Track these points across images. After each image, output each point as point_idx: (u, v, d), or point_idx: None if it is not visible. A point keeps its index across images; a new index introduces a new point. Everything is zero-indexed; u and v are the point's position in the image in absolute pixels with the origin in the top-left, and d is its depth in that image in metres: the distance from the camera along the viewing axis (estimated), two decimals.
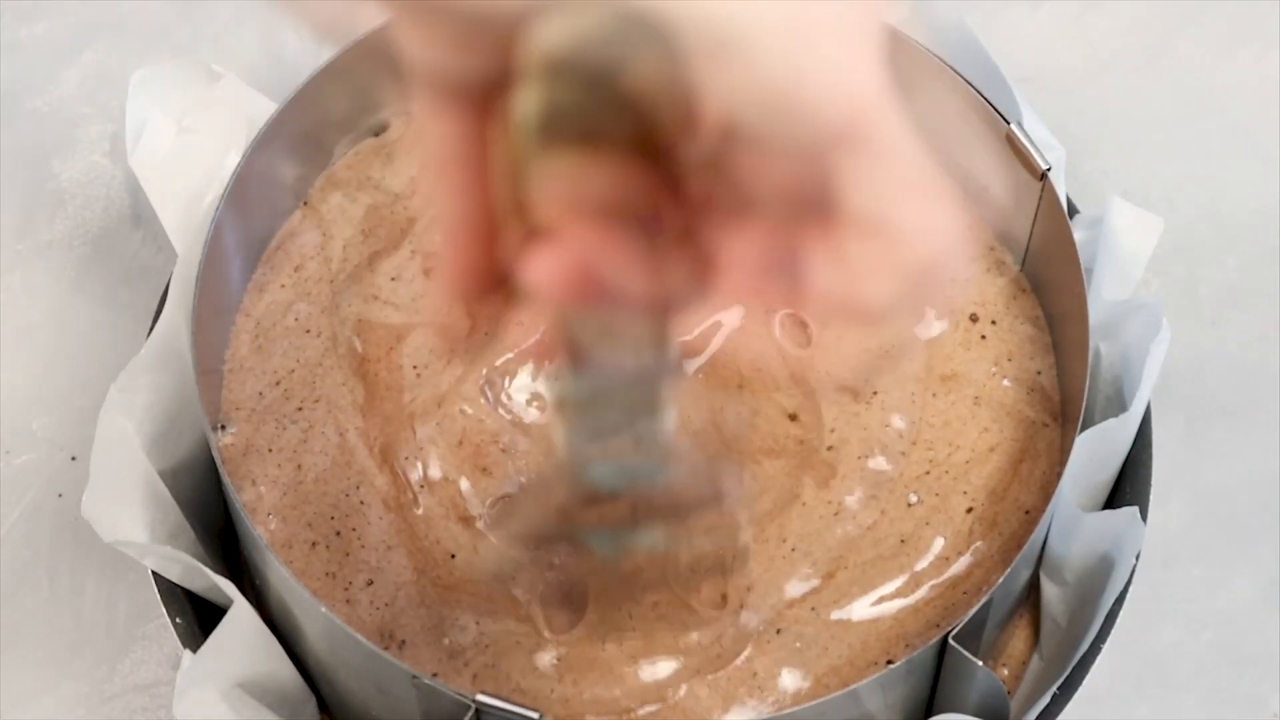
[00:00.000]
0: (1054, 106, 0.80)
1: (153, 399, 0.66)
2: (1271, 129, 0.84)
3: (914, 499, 0.67)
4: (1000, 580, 0.62)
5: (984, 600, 0.61)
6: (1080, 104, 0.84)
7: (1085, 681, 0.64)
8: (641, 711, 0.64)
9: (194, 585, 0.66)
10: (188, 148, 0.71)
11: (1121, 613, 0.65)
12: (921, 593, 0.66)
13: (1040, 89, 0.82)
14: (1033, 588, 0.69)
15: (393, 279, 0.72)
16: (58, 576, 0.73)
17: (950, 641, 0.61)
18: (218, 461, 0.65)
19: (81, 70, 0.84)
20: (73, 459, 0.75)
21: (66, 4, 0.86)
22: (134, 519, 0.64)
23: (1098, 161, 0.82)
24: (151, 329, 0.68)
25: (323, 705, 0.67)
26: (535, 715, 0.58)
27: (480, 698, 0.59)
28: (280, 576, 0.62)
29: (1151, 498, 0.68)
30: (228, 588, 0.63)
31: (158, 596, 0.65)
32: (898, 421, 0.69)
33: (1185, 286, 0.80)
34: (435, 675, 0.64)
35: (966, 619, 0.60)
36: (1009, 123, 0.69)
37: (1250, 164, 0.83)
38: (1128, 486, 0.69)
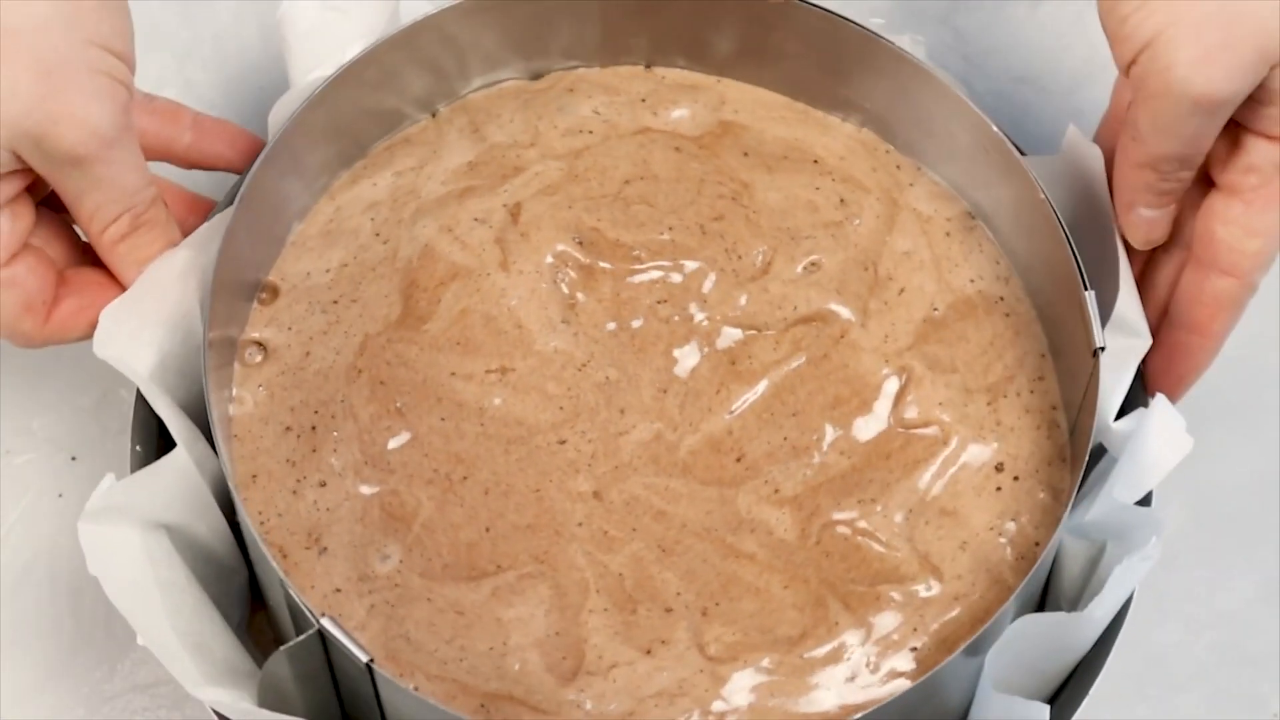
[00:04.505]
0: (1054, 106, 0.80)
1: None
2: None
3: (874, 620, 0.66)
4: (871, 712, 0.60)
5: None
6: (1080, 104, 0.84)
7: None
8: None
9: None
10: (329, 25, 0.72)
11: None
12: (826, 704, 0.65)
13: (1040, 89, 0.82)
14: None
15: (475, 219, 0.73)
16: (58, 576, 0.73)
17: None
18: (206, 296, 0.66)
19: None
20: (73, 459, 0.75)
21: None
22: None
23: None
24: None
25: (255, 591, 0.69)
26: (366, 659, 0.59)
27: (325, 622, 0.59)
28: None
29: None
30: (176, 431, 0.64)
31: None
32: (880, 541, 0.68)
33: None
34: (338, 591, 0.65)
35: None
36: (1086, 289, 0.67)
37: None
38: None
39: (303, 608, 0.60)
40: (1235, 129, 0.65)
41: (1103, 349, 0.65)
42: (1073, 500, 0.65)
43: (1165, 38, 0.62)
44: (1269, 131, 0.64)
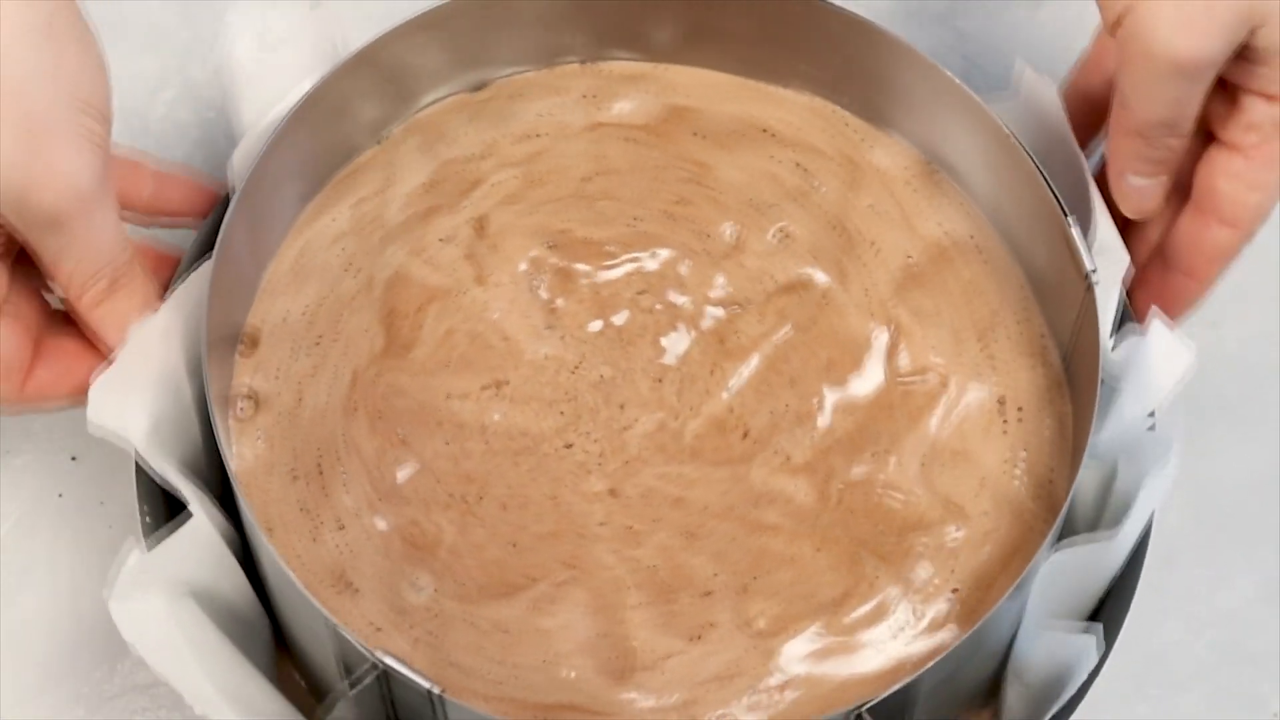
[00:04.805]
0: None
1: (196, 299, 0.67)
2: None
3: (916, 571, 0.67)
4: (930, 666, 0.61)
5: (905, 683, 0.60)
6: None
7: None
8: None
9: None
10: (269, 66, 0.71)
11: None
12: (879, 661, 0.65)
13: None
14: (1000, 684, 0.68)
15: (441, 239, 0.72)
16: (58, 576, 0.72)
17: (863, 714, 0.60)
18: (203, 354, 0.65)
19: None
20: (73, 459, 0.75)
21: None
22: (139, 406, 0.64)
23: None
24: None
25: (280, 639, 0.68)
26: (436, 690, 0.59)
27: (387, 659, 0.59)
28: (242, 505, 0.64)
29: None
30: (187, 494, 0.63)
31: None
32: (899, 491, 0.68)
33: None
34: (377, 629, 0.65)
35: (882, 697, 0.60)
36: (1067, 216, 0.68)
37: None
38: None
39: (359, 649, 0.59)
40: (1233, 89, 0.66)
41: (1094, 272, 0.66)
42: (1094, 426, 0.65)
43: (1146, 2, 0.62)
44: (1265, 91, 0.65)
